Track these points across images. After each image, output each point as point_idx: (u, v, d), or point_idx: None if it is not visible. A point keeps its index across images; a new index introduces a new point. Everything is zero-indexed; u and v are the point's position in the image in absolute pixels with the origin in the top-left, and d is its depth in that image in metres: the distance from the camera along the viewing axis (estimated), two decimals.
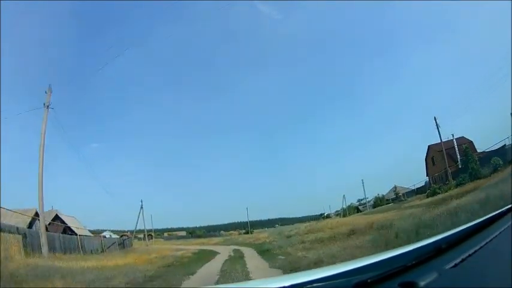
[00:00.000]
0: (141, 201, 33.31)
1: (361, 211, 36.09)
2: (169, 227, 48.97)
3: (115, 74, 41.22)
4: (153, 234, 43.19)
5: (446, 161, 26.25)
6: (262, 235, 28.66)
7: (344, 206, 36.74)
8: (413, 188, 32.29)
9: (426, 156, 31.80)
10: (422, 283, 1.20)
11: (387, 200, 34.88)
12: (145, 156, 46.25)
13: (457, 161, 26.48)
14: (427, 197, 23.22)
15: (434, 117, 26.35)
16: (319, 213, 47.00)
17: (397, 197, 33.95)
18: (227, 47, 46.89)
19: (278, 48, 45.66)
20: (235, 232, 45.09)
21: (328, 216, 44.55)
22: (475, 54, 39.13)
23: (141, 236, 39.53)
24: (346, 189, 36.54)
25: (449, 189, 21.00)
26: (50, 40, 37.39)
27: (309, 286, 1.21)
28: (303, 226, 27.63)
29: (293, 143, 49.49)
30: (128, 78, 44.95)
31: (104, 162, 41.38)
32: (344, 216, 32.31)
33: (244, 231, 43.27)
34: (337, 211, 44.36)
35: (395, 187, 36.79)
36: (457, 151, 26.67)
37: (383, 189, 37.44)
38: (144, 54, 47.34)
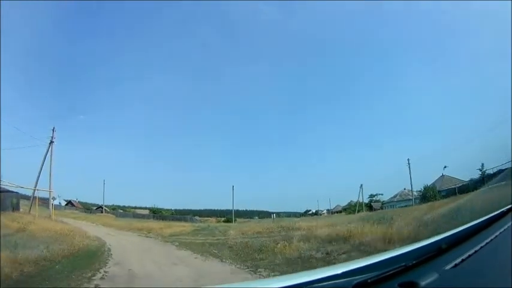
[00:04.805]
0: (52, 134, 22.10)
1: (375, 209, 29.81)
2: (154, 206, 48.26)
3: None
4: (104, 206, 39.82)
5: None
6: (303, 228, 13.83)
7: (359, 200, 31.33)
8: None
9: None
10: (422, 283, 1.20)
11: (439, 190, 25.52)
12: (132, 132, 46.11)
13: None
14: None
15: None
16: (303, 210, 45.40)
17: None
18: (226, 44, 46.56)
19: (274, 47, 44.82)
20: (212, 219, 37.52)
21: (316, 214, 42.54)
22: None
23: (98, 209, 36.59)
24: (344, 189, 32.53)
25: None
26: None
27: (309, 286, 1.21)
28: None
29: (284, 138, 48.24)
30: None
31: (89, 134, 42.60)
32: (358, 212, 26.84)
33: (224, 219, 36.12)
34: (328, 209, 42.49)
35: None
36: None
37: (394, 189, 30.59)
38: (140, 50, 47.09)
